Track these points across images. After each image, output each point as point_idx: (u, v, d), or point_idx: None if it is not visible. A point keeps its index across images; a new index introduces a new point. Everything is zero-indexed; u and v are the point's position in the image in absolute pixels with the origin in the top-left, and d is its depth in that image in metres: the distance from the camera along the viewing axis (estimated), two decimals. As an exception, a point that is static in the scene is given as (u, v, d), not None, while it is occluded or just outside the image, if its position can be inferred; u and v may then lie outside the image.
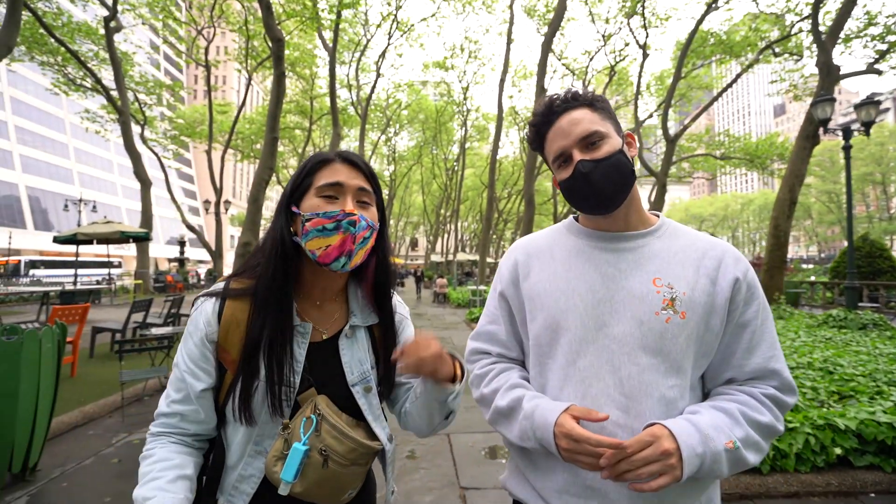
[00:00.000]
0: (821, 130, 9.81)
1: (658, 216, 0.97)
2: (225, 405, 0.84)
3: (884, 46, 12.32)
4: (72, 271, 24.72)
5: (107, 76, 18.68)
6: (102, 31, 16.79)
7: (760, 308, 0.86)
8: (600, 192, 0.85)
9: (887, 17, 12.36)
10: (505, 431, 0.91)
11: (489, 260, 32.46)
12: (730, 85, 17.43)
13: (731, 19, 19.22)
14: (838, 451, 2.74)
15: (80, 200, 26.03)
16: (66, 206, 27.17)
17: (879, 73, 12.28)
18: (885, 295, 12.36)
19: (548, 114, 0.89)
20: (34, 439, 2.68)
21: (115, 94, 17.28)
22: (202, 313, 0.85)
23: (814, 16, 11.72)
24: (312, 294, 0.93)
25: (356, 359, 0.92)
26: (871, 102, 8.26)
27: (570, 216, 1.04)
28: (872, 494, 2.68)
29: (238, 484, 0.83)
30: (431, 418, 0.93)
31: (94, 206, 27.54)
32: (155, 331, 5.17)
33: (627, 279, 0.86)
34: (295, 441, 0.80)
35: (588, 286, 0.87)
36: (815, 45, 11.93)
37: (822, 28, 11.84)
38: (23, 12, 8.36)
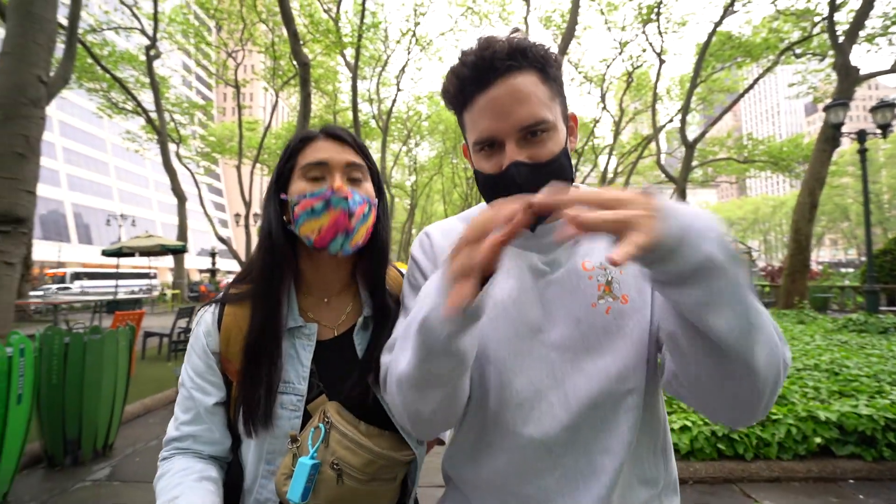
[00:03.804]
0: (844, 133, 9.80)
1: (577, 187, 0.77)
2: (236, 421, 0.77)
3: (906, 46, 12.14)
4: (113, 282, 26.23)
5: (146, 99, 20.00)
6: (143, 58, 18.06)
7: None
8: None
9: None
10: (411, 393, 0.62)
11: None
12: (748, 89, 17.37)
13: (750, 22, 19.18)
14: (818, 440, 2.97)
15: (121, 215, 27.68)
16: (108, 221, 28.93)
17: (902, 72, 12.09)
18: (908, 298, 12.03)
19: (483, 70, 0.63)
20: (112, 422, 3.21)
21: (154, 115, 18.49)
22: (202, 323, 0.80)
23: (830, 18, 11.69)
24: (316, 290, 0.86)
25: (375, 353, 0.83)
26: (887, 105, 8.27)
27: (483, 202, 0.79)
28: (852, 481, 2.90)
29: None
30: None
31: (134, 221, 29.20)
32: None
33: (556, 270, 0.71)
34: (302, 455, 0.72)
35: (518, 284, 0.72)
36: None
37: (840, 30, 11.79)
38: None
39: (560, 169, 0.66)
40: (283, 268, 0.80)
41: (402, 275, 0.95)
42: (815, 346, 5.79)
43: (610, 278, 0.69)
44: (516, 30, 0.67)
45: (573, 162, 0.73)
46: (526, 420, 0.67)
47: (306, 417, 0.77)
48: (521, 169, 0.63)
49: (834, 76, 16.37)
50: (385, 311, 0.86)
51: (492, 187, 0.68)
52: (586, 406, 0.65)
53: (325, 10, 16.82)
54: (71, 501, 2.79)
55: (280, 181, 0.82)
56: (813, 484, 2.89)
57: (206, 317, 0.81)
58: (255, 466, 0.76)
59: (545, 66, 0.65)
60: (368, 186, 0.83)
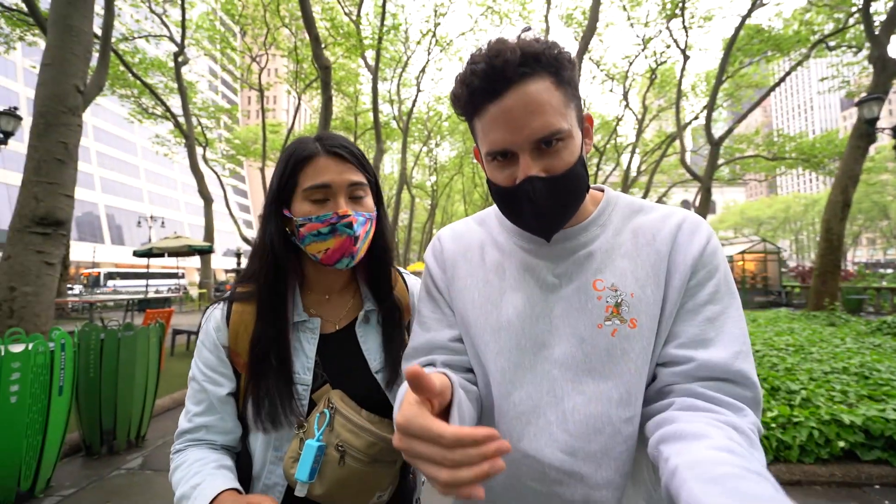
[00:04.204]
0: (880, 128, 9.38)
1: (603, 190, 0.78)
2: (244, 411, 0.82)
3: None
4: (143, 282, 27.25)
5: (174, 104, 20.69)
6: (171, 65, 18.70)
7: (720, 287, 0.65)
8: (546, 219, 0.67)
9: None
10: None
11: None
12: (777, 84, 16.75)
13: (781, 14, 18.51)
14: (842, 444, 2.90)
15: (151, 217, 28.67)
16: (139, 222, 30.04)
17: (945, 64, 11.48)
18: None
19: (494, 80, 0.61)
20: (144, 413, 3.38)
21: (181, 120, 19.12)
22: (211, 320, 0.85)
23: (866, 8, 11.22)
24: (319, 288, 0.91)
25: (376, 344, 0.89)
26: (925, 99, 7.90)
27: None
28: (878, 486, 2.82)
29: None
30: None
31: (163, 223, 30.20)
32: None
33: (566, 286, 0.70)
34: (309, 438, 0.77)
35: (526, 298, 0.71)
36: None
37: (877, 21, 11.30)
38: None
39: (575, 179, 0.65)
40: (286, 273, 0.85)
41: (404, 280, 1.01)
42: (845, 349, 5.61)
43: (619, 300, 0.67)
44: (528, 28, 0.64)
45: (595, 161, 0.72)
46: (521, 434, 0.67)
47: (310, 406, 0.82)
48: (536, 184, 0.63)
49: (870, 69, 15.68)
50: (391, 306, 0.92)
51: (505, 200, 0.68)
52: (585, 429, 0.64)
53: (346, 14, 17.08)
54: (107, 488, 2.96)
55: (281, 195, 0.84)
56: (836, 488, 2.82)
57: (215, 313, 0.85)
58: (263, 454, 0.81)
59: (559, 69, 0.62)
60: (369, 201, 0.87)
